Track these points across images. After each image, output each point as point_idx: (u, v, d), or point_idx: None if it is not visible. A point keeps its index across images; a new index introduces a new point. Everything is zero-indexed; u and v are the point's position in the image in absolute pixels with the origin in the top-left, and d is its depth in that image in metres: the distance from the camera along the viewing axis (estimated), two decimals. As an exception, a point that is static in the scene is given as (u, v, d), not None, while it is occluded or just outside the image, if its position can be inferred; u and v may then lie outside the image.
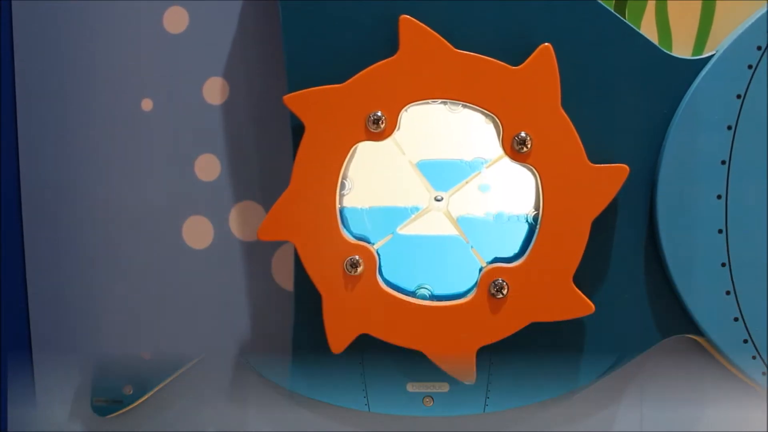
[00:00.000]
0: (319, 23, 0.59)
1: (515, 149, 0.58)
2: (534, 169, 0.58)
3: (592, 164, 0.58)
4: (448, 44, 0.58)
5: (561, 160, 0.58)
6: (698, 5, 0.61)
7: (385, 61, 0.58)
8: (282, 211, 0.59)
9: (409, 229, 0.62)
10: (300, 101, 0.58)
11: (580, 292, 0.59)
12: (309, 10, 0.59)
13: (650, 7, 0.62)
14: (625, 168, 0.58)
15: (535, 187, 0.59)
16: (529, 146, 0.58)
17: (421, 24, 0.57)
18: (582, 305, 0.59)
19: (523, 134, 0.58)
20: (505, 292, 0.59)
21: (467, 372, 0.60)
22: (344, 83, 0.58)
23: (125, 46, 0.64)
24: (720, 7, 0.61)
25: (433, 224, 0.62)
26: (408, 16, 0.57)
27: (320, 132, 0.58)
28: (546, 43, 0.57)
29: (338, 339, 0.60)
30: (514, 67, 0.58)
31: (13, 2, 0.65)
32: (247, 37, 0.64)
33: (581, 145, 0.58)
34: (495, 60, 0.58)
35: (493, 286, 0.59)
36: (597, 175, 0.58)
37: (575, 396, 0.63)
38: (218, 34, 0.64)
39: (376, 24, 0.59)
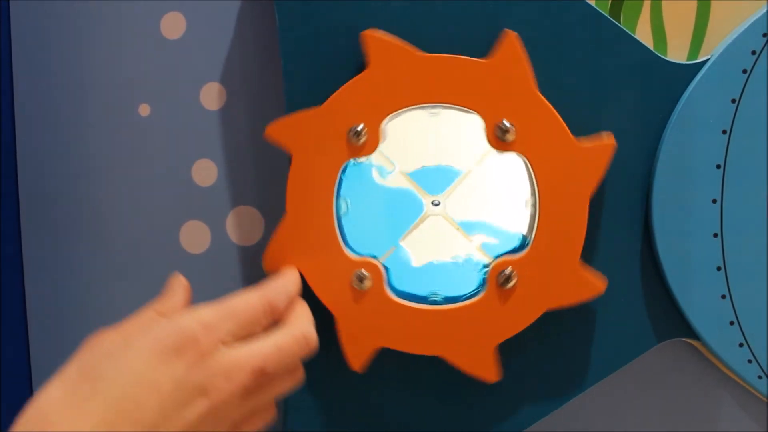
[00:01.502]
0: (316, 25, 0.59)
1: (499, 139, 0.58)
2: (522, 156, 0.58)
3: (578, 142, 0.58)
4: (416, 50, 0.57)
5: (547, 143, 0.58)
6: (693, 9, 0.61)
7: (357, 77, 0.58)
8: (282, 241, 0.59)
9: (412, 238, 0.61)
10: (283, 130, 0.58)
11: (588, 273, 0.58)
12: (306, 12, 0.59)
13: (645, 12, 0.62)
14: (610, 144, 0.58)
15: (528, 176, 0.59)
16: (512, 134, 0.57)
17: (384, 36, 0.57)
18: (592, 286, 0.58)
19: (504, 123, 0.57)
20: (514, 281, 0.58)
21: (489, 371, 0.59)
22: (321, 105, 0.58)
23: (123, 52, 0.65)
24: (715, 12, 0.61)
25: (434, 229, 0.61)
26: (371, 31, 0.57)
27: (307, 156, 0.58)
28: (508, 29, 0.57)
29: (357, 356, 0.59)
30: (483, 60, 0.57)
31: (11, 8, 0.65)
32: (245, 43, 0.64)
33: (564, 125, 0.57)
34: (462, 56, 0.57)
35: (501, 276, 0.58)
36: (586, 152, 0.58)
37: (570, 399, 0.63)
38: (216, 39, 0.64)
39: (373, 26, 0.58)
